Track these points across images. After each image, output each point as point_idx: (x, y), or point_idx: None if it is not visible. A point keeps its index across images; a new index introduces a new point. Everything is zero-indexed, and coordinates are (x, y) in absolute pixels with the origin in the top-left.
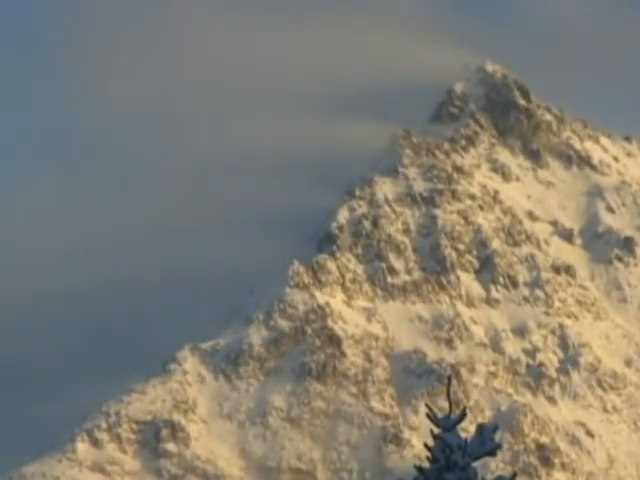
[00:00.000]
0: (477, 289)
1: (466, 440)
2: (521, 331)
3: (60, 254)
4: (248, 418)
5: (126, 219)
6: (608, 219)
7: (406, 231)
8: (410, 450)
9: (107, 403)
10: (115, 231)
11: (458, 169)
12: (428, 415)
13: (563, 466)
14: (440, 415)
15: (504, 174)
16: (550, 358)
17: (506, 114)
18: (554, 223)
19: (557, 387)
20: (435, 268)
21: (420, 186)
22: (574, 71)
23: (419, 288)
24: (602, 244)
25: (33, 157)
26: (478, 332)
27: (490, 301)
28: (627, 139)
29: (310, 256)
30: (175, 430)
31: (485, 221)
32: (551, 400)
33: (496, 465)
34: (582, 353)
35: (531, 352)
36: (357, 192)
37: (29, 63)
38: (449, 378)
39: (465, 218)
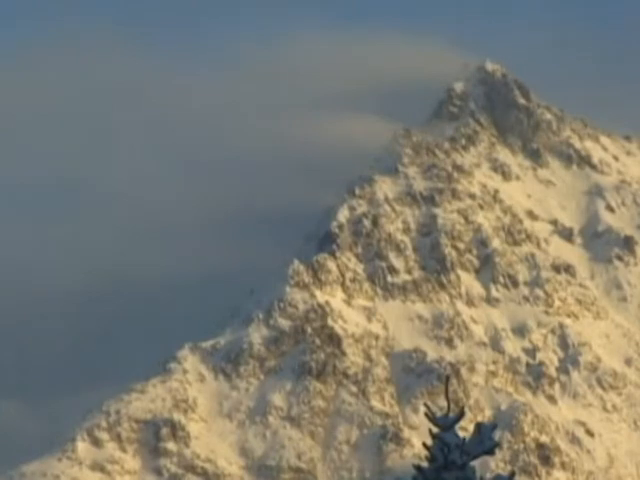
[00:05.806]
0: (477, 288)
1: (464, 439)
2: (521, 330)
3: (60, 254)
4: (248, 417)
5: (126, 219)
6: (608, 218)
7: (406, 230)
8: (410, 449)
9: (107, 402)
10: (115, 231)
11: (458, 168)
12: (426, 414)
13: (563, 465)
14: (438, 414)
15: (504, 173)
16: (550, 357)
17: (506, 113)
18: (554, 222)
19: (557, 386)
20: (435, 267)
21: (420, 185)
22: (574, 71)
23: (419, 287)
24: (602, 243)
25: (33, 152)
26: (478, 331)
27: (490, 300)
28: (627, 138)
29: (310, 255)
30: (175, 429)
31: (485, 220)
32: (551, 399)
33: (496, 464)
34: (582, 352)
35: (531, 351)
36: (357, 191)
37: None
38: (447, 378)
39: (465, 217)
